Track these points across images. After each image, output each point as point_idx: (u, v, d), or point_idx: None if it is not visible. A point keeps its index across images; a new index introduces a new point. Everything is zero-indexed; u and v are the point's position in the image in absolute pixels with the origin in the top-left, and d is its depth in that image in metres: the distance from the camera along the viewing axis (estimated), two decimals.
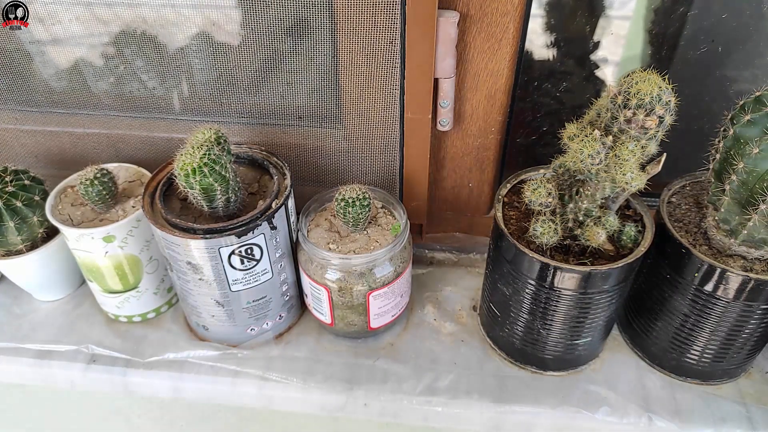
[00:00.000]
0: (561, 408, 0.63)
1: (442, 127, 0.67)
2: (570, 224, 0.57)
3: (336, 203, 0.62)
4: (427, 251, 0.82)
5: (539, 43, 0.69)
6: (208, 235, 0.57)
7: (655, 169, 0.52)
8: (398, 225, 0.65)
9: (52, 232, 0.71)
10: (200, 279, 0.61)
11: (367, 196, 0.62)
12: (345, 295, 0.63)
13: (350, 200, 0.61)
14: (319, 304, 0.66)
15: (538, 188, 0.55)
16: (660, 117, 0.48)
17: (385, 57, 0.61)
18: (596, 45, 0.70)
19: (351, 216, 0.62)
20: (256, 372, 0.67)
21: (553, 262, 0.55)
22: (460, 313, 0.74)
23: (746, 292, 0.55)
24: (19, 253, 0.70)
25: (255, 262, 0.61)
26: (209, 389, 0.68)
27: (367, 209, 0.62)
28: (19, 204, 0.67)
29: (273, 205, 0.60)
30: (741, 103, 0.52)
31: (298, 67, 0.66)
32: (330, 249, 0.63)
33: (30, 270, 0.72)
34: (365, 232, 0.65)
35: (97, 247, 0.64)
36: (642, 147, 0.50)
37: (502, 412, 0.63)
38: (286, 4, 0.60)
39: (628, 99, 0.48)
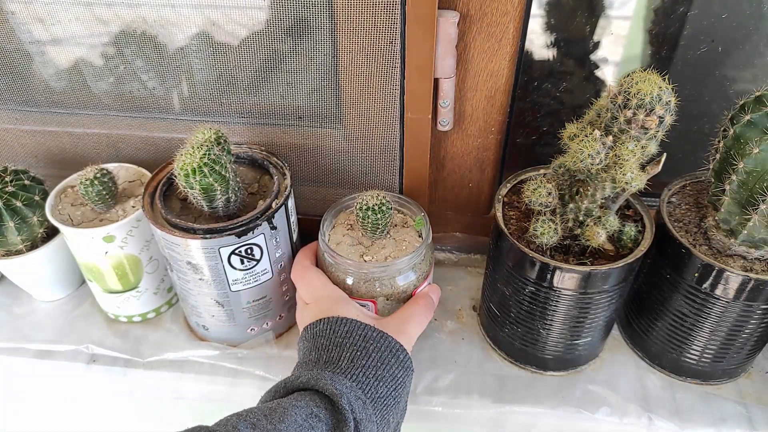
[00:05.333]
0: (561, 408, 0.63)
1: (442, 127, 0.67)
2: (570, 224, 0.57)
3: (362, 213, 0.61)
4: None
5: (539, 43, 0.69)
6: (208, 235, 0.57)
7: (655, 169, 0.52)
8: (420, 218, 0.64)
9: (52, 232, 0.71)
10: (200, 279, 0.61)
11: (386, 201, 0.61)
12: (393, 302, 0.62)
13: (374, 207, 0.60)
14: None
15: (538, 188, 0.55)
16: (660, 117, 0.48)
17: (385, 57, 0.61)
18: (596, 45, 0.70)
19: (380, 222, 0.61)
20: (256, 372, 0.67)
21: (553, 262, 0.55)
22: (460, 312, 0.74)
23: (746, 292, 0.55)
24: (19, 253, 0.70)
25: (255, 262, 0.61)
26: (209, 389, 0.68)
27: (390, 212, 0.62)
28: (19, 204, 0.67)
29: (273, 205, 0.60)
30: (741, 103, 0.52)
31: (298, 67, 0.66)
32: (366, 261, 0.61)
33: (30, 270, 0.72)
34: (389, 236, 0.64)
35: (97, 247, 0.64)
36: (642, 147, 0.50)
37: (503, 412, 0.63)
38: (286, 3, 0.60)
39: (628, 99, 0.48)
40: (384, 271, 0.60)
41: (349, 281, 0.61)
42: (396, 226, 0.65)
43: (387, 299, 0.61)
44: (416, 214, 0.65)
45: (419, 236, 0.64)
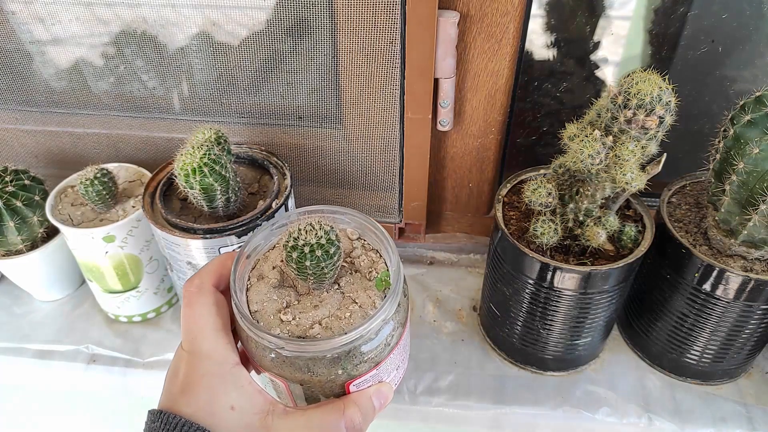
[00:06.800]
0: (561, 408, 0.63)
1: (443, 127, 0.67)
2: (570, 224, 0.57)
3: (286, 253, 0.40)
4: (427, 251, 0.82)
5: (539, 44, 0.69)
6: (208, 235, 0.57)
7: (656, 169, 0.52)
8: (386, 274, 0.42)
9: (52, 232, 0.71)
10: None
11: (333, 238, 0.39)
12: (312, 389, 0.41)
13: (306, 248, 0.38)
14: (277, 394, 0.44)
15: (538, 188, 0.55)
16: (660, 117, 0.48)
17: (386, 57, 0.61)
18: (596, 45, 0.69)
19: (311, 271, 0.39)
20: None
21: (553, 262, 0.55)
22: (460, 313, 0.74)
23: (746, 293, 0.55)
24: (19, 253, 0.70)
25: None
26: None
27: (335, 258, 0.40)
28: (19, 204, 0.67)
29: (273, 205, 0.60)
30: (741, 103, 0.52)
31: (299, 67, 0.66)
32: (282, 321, 0.40)
33: (30, 270, 0.72)
34: (336, 286, 0.42)
35: (97, 247, 0.64)
36: (642, 147, 0.49)
37: (502, 412, 0.63)
38: (286, 3, 0.60)
39: (629, 99, 0.48)
40: (299, 349, 0.38)
41: (250, 344, 0.40)
42: (357, 272, 0.43)
43: (302, 385, 0.41)
44: (390, 263, 0.43)
45: (383, 299, 0.41)
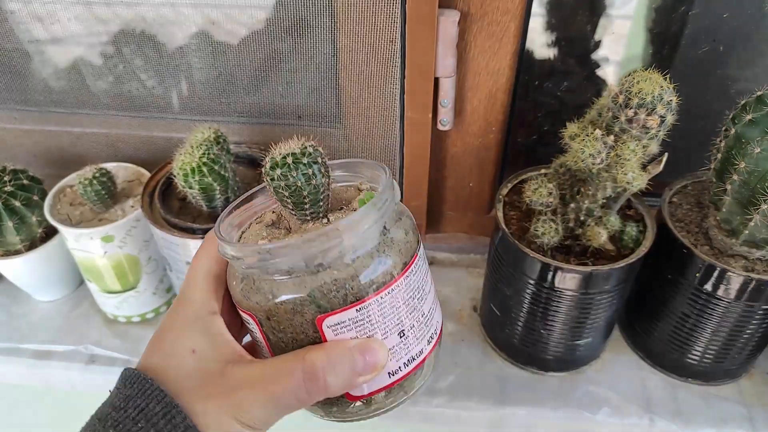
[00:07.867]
0: (562, 409, 0.63)
1: (443, 126, 0.67)
2: (571, 224, 0.57)
3: (269, 178, 0.36)
4: (427, 251, 0.82)
5: (540, 42, 0.69)
6: None
7: (657, 168, 0.51)
8: (371, 194, 0.38)
9: (50, 232, 0.71)
10: None
11: (316, 152, 0.36)
12: (282, 328, 0.35)
13: (289, 158, 0.35)
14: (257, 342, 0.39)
15: (539, 188, 0.54)
16: (661, 116, 0.48)
17: (385, 56, 0.61)
18: (597, 44, 0.69)
19: (301, 183, 0.35)
20: None
21: (554, 263, 0.55)
22: (460, 313, 0.74)
23: (747, 293, 0.55)
24: (17, 253, 0.69)
25: None
26: None
27: (319, 176, 0.35)
28: (17, 204, 0.67)
29: None
30: (742, 102, 0.52)
31: (298, 66, 0.65)
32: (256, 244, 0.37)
33: (28, 270, 0.72)
34: (325, 220, 0.38)
35: (95, 247, 0.64)
36: (643, 146, 0.49)
37: (503, 413, 0.63)
38: (285, 2, 0.60)
39: (630, 98, 0.48)
40: (263, 259, 0.33)
41: (229, 279, 0.38)
42: (346, 208, 0.40)
43: (268, 318, 0.35)
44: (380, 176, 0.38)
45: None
